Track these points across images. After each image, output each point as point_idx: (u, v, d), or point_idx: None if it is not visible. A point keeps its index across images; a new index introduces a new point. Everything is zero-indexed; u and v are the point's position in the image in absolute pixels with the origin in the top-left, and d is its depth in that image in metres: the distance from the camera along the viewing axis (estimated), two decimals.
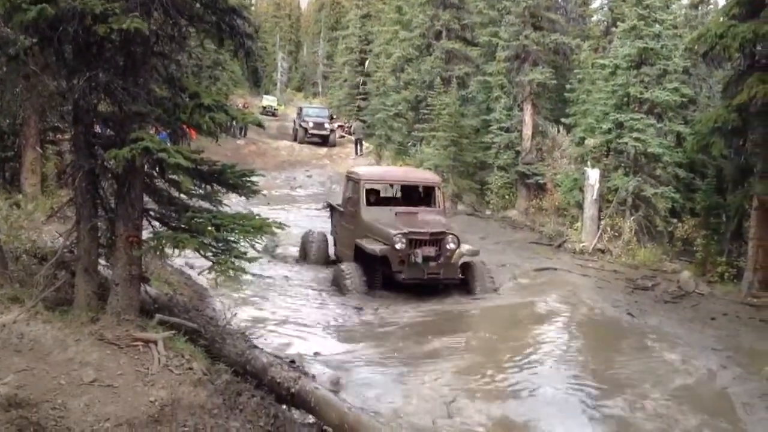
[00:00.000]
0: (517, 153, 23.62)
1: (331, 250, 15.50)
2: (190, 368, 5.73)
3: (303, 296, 12.52)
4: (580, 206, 18.74)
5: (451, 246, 12.37)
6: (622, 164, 18.28)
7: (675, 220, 18.09)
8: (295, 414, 6.04)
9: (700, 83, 21.01)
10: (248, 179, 6.85)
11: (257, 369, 6.21)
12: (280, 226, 6.54)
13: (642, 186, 17.68)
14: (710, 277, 15.31)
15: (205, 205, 6.90)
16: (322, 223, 17.83)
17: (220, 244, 6.42)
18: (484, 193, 24.43)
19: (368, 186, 14.01)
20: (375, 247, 12.39)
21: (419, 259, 12.12)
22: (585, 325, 10.96)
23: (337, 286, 12.78)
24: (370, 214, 13.32)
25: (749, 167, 15.10)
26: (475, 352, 9.46)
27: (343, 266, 12.87)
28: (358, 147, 38.21)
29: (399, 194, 15.08)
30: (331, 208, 16.02)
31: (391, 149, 32.98)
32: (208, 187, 6.89)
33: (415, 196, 14.46)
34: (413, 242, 12.27)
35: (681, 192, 18.20)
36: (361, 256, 12.90)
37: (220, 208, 6.87)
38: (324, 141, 39.87)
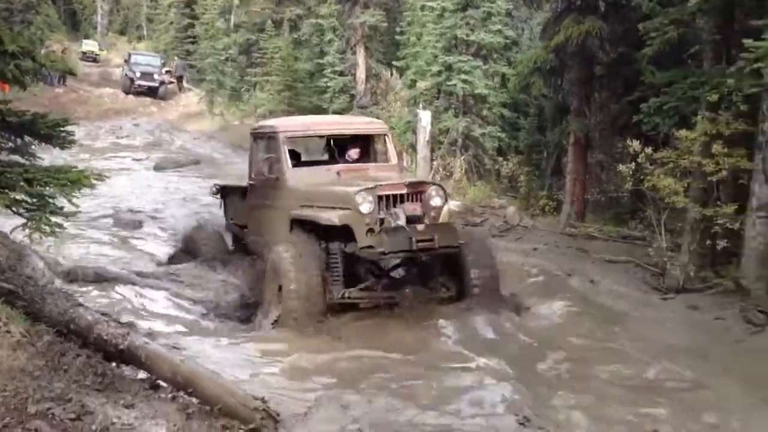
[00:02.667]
0: (352, 97, 23.75)
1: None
2: (8, 331, 5.41)
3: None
4: (413, 148, 19.16)
5: (437, 201, 8.22)
6: (452, 106, 18.83)
7: (501, 159, 18.93)
8: (126, 370, 5.87)
9: (521, 25, 21.89)
10: (63, 129, 6.47)
11: (82, 327, 5.95)
12: (100, 176, 6.25)
13: (471, 126, 18.33)
14: (533, 211, 16.25)
15: (18, 159, 6.47)
16: (156, 182, 16.94)
17: (34, 200, 6.06)
18: None
19: (291, 141, 9.51)
20: (330, 215, 8.06)
21: (401, 221, 7.83)
22: None
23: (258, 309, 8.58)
24: (301, 178, 9.00)
25: (566, 106, 16.01)
26: None
27: (282, 249, 8.17)
28: (181, 84, 36.91)
29: (331, 152, 10.25)
30: (225, 192, 11.17)
31: (224, 95, 32.17)
32: (19, 139, 6.45)
33: (356, 151, 9.70)
34: (385, 200, 8.00)
35: (506, 131, 19.05)
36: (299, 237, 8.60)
37: (34, 162, 6.46)
38: (152, 93, 36.60)
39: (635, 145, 10.71)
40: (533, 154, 17.71)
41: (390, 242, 7.66)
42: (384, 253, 7.73)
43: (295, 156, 9.63)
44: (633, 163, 10.69)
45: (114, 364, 5.81)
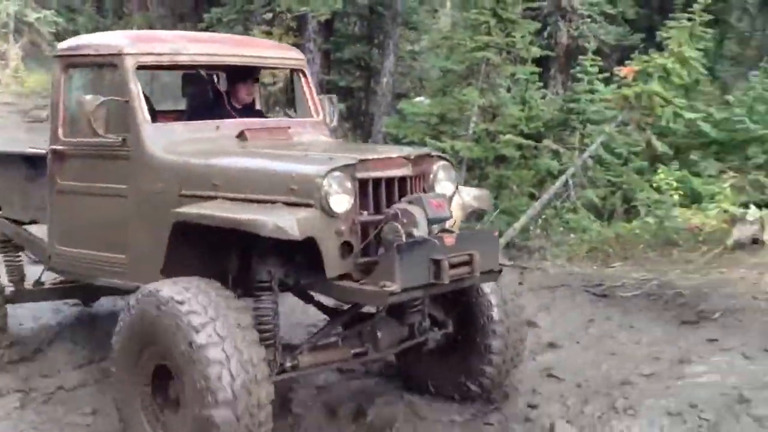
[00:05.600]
0: None
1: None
2: None
3: None
4: None
5: (446, 187, 4.55)
6: None
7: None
8: None
9: None
10: None
11: None
12: None
13: (23, 11, 17.30)
14: None
15: None
16: None
17: None
18: None
19: (143, 67, 4.93)
20: (271, 218, 3.81)
21: (421, 228, 4.01)
22: None
23: None
24: (174, 143, 4.66)
25: None
26: None
27: (174, 297, 3.86)
28: None
29: (211, 93, 5.64)
30: None
31: None
32: None
33: (248, 93, 5.57)
34: (372, 188, 4.19)
35: (63, 15, 18.40)
36: (193, 261, 4.40)
37: None
38: None
39: None
40: None
41: (406, 271, 3.83)
42: (392, 294, 3.81)
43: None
44: None
45: None
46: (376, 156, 4.30)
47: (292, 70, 5.68)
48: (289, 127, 5.25)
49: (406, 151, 4.46)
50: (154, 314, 3.86)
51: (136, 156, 4.60)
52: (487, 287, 4.68)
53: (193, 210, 4.15)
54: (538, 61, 10.43)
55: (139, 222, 4.60)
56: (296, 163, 4.27)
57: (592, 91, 9.66)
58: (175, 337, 3.75)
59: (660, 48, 9.38)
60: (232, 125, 4.98)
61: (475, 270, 4.08)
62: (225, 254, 4.40)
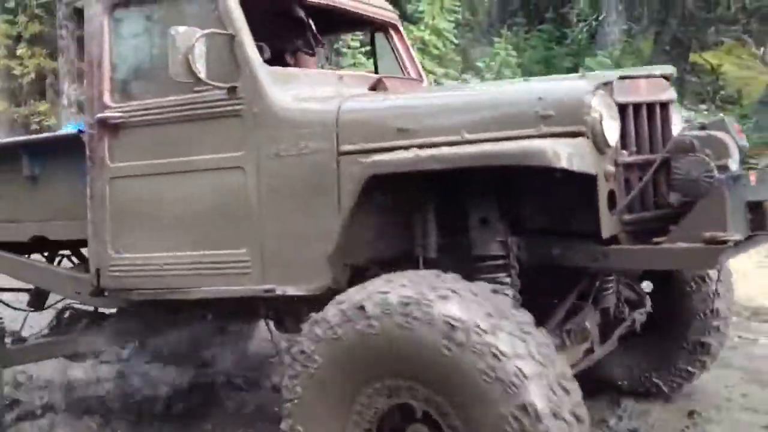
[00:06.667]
0: None
1: None
2: None
3: None
4: None
5: (678, 119, 3.35)
6: None
7: None
8: None
9: None
10: None
11: None
12: None
13: None
14: None
15: None
16: None
17: None
18: None
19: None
20: (546, 146, 2.59)
21: (735, 162, 2.95)
22: None
23: None
24: (300, 91, 3.37)
25: None
26: None
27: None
28: None
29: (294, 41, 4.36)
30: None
31: None
32: None
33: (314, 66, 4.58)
34: (632, 113, 3.00)
35: None
36: (369, 243, 3.22)
37: None
38: None
39: None
40: None
41: (734, 217, 2.75)
42: (729, 247, 2.66)
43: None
44: None
45: None
46: (635, 73, 3.14)
47: (381, 26, 4.46)
48: (421, 80, 4.35)
49: (662, 68, 3.23)
50: (438, 344, 2.44)
51: (255, 110, 3.31)
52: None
53: (403, 155, 2.84)
54: None
55: (277, 200, 3.26)
56: (540, 83, 3.07)
57: (355, 65, 10.24)
58: (482, 390, 2.38)
59: (411, 21, 10.10)
60: (357, 77, 3.94)
61: None
62: (418, 226, 3.17)
